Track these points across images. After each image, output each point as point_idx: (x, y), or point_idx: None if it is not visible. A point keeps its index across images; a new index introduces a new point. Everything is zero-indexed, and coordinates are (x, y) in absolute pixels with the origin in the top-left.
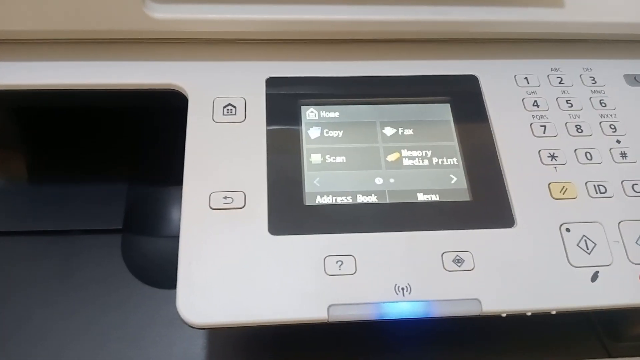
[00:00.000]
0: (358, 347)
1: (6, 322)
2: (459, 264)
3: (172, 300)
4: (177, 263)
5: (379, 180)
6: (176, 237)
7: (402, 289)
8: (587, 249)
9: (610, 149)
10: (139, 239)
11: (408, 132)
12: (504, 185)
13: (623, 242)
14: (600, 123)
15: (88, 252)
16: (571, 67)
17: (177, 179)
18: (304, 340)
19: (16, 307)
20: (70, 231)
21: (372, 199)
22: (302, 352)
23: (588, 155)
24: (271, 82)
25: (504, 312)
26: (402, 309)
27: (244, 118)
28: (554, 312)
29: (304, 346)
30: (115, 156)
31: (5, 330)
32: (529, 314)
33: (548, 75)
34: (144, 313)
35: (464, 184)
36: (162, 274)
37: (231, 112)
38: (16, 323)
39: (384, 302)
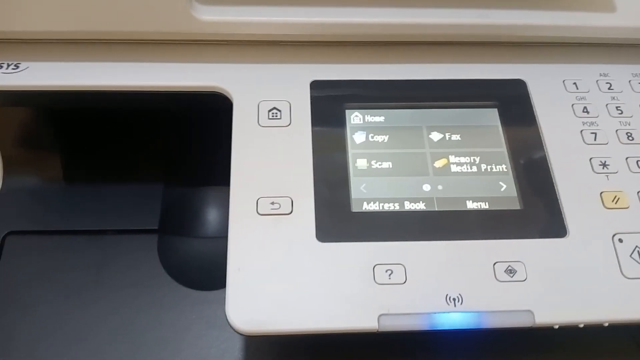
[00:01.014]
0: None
1: (41, 323)
2: (511, 275)
3: (209, 301)
4: (213, 264)
5: (426, 187)
6: (212, 238)
7: (454, 299)
8: None
9: None
10: (175, 239)
11: (455, 137)
12: (555, 194)
13: None
14: None
15: (124, 253)
16: (620, 73)
17: (213, 179)
18: (342, 344)
19: (51, 307)
20: (106, 231)
21: (420, 206)
22: (339, 355)
23: None
24: (316, 85)
25: (556, 324)
26: (453, 319)
27: (289, 122)
28: (606, 324)
29: (341, 350)
30: (151, 156)
31: (39, 332)
32: (582, 325)
33: (597, 81)
34: (180, 314)
35: (513, 192)
36: (199, 275)
37: (276, 116)
38: (51, 324)
39: (435, 313)
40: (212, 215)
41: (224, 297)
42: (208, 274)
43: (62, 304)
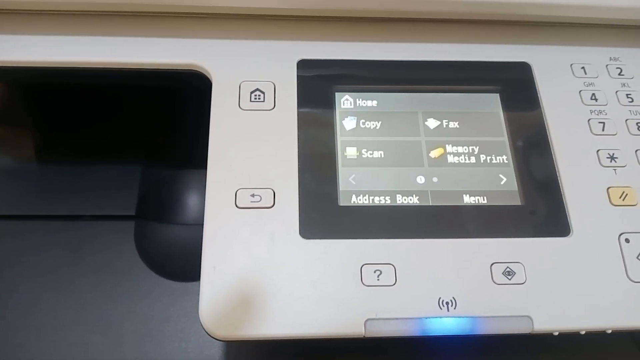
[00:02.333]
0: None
1: (13, 312)
2: (509, 277)
3: (188, 292)
4: (193, 252)
5: (420, 179)
6: (191, 225)
7: (447, 303)
8: None
9: None
10: (152, 226)
11: (453, 124)
12: (559, 189)
13: None
14: None
15: (99, 240)
16: (632, 57)
17: (193, 163)
18: (327, 346)
19: (24, 295)
20: (80, 217)
21: (414, 200)
22: (322, 353)
23: None
24: (303, 65)
25: (556, 331)
26: (446, 325)
27: (273, 105)
28: (609, 332)
29: (326, 351)
30: (129, 138)
31: (12, 321)
32: (583, 332)
33: (607, 66)
34: (157, 305)
35: (514, 186)
36: (178, 264)
37: (259, 98)
38: (24, 312)
39: (426, 318)
40: (192, 201)
41: None
42: (188, 263)
43: (35, 293)
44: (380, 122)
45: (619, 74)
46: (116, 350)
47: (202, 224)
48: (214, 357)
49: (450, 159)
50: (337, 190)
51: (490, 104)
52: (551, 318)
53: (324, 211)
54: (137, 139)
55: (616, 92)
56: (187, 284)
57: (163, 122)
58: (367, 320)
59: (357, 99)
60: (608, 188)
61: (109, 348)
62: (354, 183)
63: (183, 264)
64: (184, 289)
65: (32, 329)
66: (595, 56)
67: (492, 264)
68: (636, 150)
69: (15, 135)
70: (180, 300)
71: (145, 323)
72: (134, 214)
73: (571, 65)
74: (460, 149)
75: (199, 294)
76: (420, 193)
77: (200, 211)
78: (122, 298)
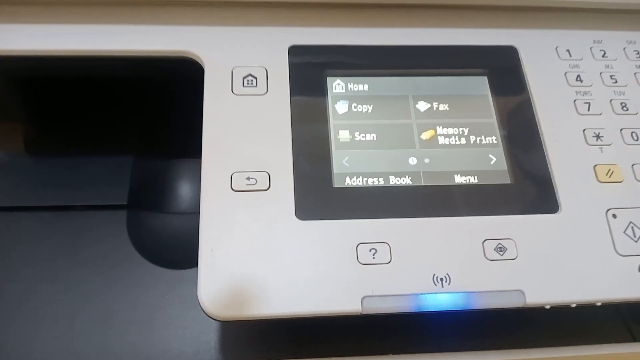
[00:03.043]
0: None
1: (7, 303)
2: (501, 253)
3: (182, 280)
4: (187, 240)
5: (412, 160)
6: (183, 214)
7: (441, 279)
8: (635, 236)
9: None
10: (145, 215)
11: (443, 107)
12: (547, 167)
13: None
14: None
15: (92, 229)
16: (614, 40)
17: (184, 153)
18: (324, 325)
19: (18, 286)
20: (73, 207)
21: (406, 180)
22: (319, 335)
23: (634, 135)
24: (294, 51)
25: (547, 304)
26: (441, 300)
27: (265, 90)
28: (599, 304)
29: (321, 330)
30: (120, 129)
31: (5, 311)
32: (574, 305)
33: (591, 48)
34: (152, 294)
35: (504, 165)
36: (171, 253)
37: (252, 84)
38: (18, 303)
39: (421, 294)
40: (184, 190)
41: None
42: (182, 251)
43: (29, 284)
44: (371, 106)
45: (603, 56)
46: (112, 339)
47: (195, 213)
48: (211, 343)
49: (441, 140)
50: (331, 172)
51: (479, 86)
52: (542, 292)
53: (318, 193)
54: (129, 129)
55: (600, 73)
56: (182, 272)
57: (155, 111)
58: (363, 298)
59: (349, 83)
60: (595, 166)
61: (105, 337)
62: (347, 165)
63: (177, 252)
64: (178, 276)
65: (27, 320)
66: (579, 39)
67: (484, 241)
68: (621, 129)
69: (7, 127)
70: (176, 287)
71: (141, 311)
72: (126, 203)
73: (556, 48)
74: (450, 131)
75: (193, 282)
76: (412, 174)
77: (191, 200)
78: (117, 287)
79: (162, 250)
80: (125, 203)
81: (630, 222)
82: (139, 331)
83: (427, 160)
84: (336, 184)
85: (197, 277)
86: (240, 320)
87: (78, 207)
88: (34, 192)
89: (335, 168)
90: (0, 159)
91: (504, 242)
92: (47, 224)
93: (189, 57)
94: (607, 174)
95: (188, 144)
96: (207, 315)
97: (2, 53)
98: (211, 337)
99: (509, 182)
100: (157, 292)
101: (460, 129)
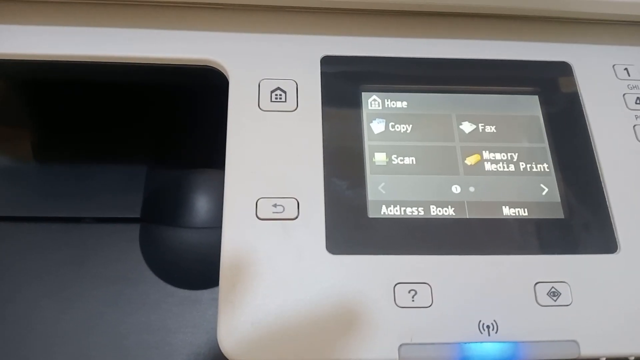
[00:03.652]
0: None
1: (12, 320)
2: (554, 298)
3: (197, 301)
4: (202, 258)
5: (456, 189)
6: (201, 229)
7: (488, 326)
8: None
9: None
10: (159, 229)
11: (490, 129)
12: (605, 201)
13: None
14: None
15: (103, 243)
16: None
17: (202, 163)
18: None
19: (23, 302)
20: (83, 219)
21: (449, 212)
22: None
23: None
24: (327, 62)
25: (604, 356)
26: (487, 351)
27: (295, 106)
28: None
29: None
30: (134, 137)
31: (10, 329)
32: (632, 358)
33: None
34: (165, 315)
35: (557, 197)
36: (187, 271)
37: (280, 98)
38: (23, 320)
39: (465, 343)
40: (199, 204)
41: (214, 297)
42: (198, 270)
43: (34, 299)
44: (411, 126)
45: None
46: None
47: (211, 227)
48: None
49: (488, 166)
50: (365, 200)
51: (529, 106)
52: (599, 342)
53: (352, 223)
54: (143, 138)
55: None
56: (197, 292)
57: (171, 120)
58: (401, 346)
59: (386, 100)
60: None
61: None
62: (383, 192)
63: (192, 271)
64: (193, 297)
65: (31, 339)
66: (639, 57)
67: (536, 284)
68: None
69: (17, 135)
70: (190, 309)
71: (152, 334)
72: (139, 216)
73: (614, 65)
74: (497, 156)
75: (208, 304)
76: (456, 204)
77: (209, 214)
78: (127, 307)
79: (176, 268)
80: (138, 216)
81: None
82: (149, 356)
83: (472, 189)
84: (371, 213)
85: (213, 299)
86: None
87: (87, 219)
88: (40, 202)
89: (370, 195)
90: (9, 166)
91: (557, 286)
92: (53, 236)
93: (212, 67)
94: None
95: (206, 154)
96: (227, 358)
97: (17, 56)
98: None
99: (562, 216)
100: (170, 313)
101: (509, 154)
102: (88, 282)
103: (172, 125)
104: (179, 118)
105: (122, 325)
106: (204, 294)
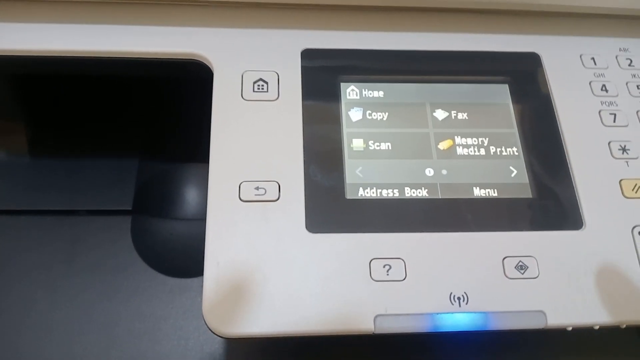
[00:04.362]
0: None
1: (6, 310)
2: (522, 271)
3: (186, 289)
4: (192, 248)
5: (429, 172)
6: (190, 220)
7: (458, 298)
8: None
9: None
10: (150, 221)
11: (462, 116)
12: (571, 181)
13: None
14: None
15: (95, 235)
16: None
17: (191, 156)
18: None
19: (16, 293)
20: (76, 211)
21: (423, 193)
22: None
23: None
24: (307, 55)
25: (570, 326)
26: (458, 321)
27: (277, 96)
28: (624, 326)
29: (331, 346)
30: (125, 131)
31: (4, 319)
32: (597, 327)
33: (616, 56)
34: (155, 302)
35: (525, 178)
36: (176, 260)
37: (262, 89)
38: (17, 311)
39: (437, 314)
40: (191, 196)
41: (203, 285)
42: (187, 259)
43: (28, 291)
44: (387, 114)
45: (629, 65)
46: (113, 350)
47: (201, 219)
48: (214, 355)
49: (460, 150)
50: (344, 183)
51: (500, 94)
52: (565, 313)
53: (330, 204)
54: (134, 131)
55: (627, 83)
56: (186, 281)
57: (160, 113)
58: (376, 317)
59: (363, 90)
60: (620, 180)
61: (106, 347)
62: (361, 176)
63: (182, 260)
64: (182, 285)
65: (26, 328)
66: (604, 47)
67: (504, 258)
68: None
69: (8, 128)
70: (179, 297)
71: (142, 321)
72: (130, 208)
73: (581, 55)
74: (469, 141)
75: (198, 291)
76: (429, 186)
77: (199, 206)
78: (119, 295)
79: (166, 258)
80: (129, 208)
81: None
82: (141, 342)
83: (444, 172)
84: (349, 195)
85: (202, 287)
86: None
87: (80, 211)
88: (33, 194)
89: (348, 178)
90: (0, 160)
91: (525, 260)
92: (47, 228)
93: (197, 60)
94: (633, 189)
95: (196, 147)
96: (211, 331)
97: (8, 52)
98: (215, 349)
99: (530, 196)
100: (160, 301)
101: (480, 139)
102: (81, 273)
103: (162, 118)
104: (169, 112)
105: (112, 313)
106: (193, 281)
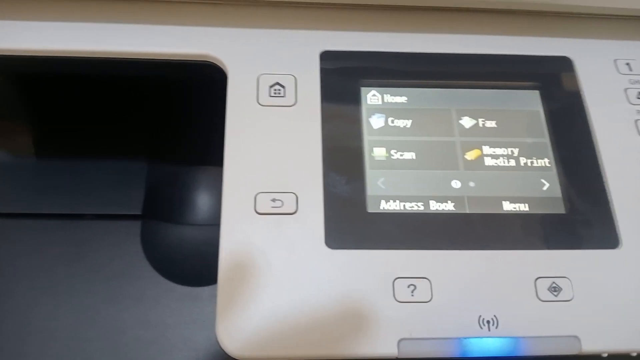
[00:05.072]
0: None
1: (10, 316)
2: (555, 293)
3: (197, 297)
4: (203, 255)
5: (456, 184)
6: (202, 226)
7: (488, 322)
8: None
9: None
10: (160, 226)
11: (490, 124)
12: (606, 196)
13: None
14: None
15: (103, 240)
16: None
17: (203, 159)
18: None
19: (21, 298)
20: (83, 215)
21: (449, 206)
22: None
23: None
24: (327, 57)
25: (605, 352)
26: (487, 346)
27: (294, 101)
28: None
29: None
30: (135, 133)
31: (8, 325)
32: (634, 354)
33: None
34: (164, 311)
35: (557, 192)
36: (187, 267)
37: (279, 93)
38: (21, 317)
39: (465, 338)
40: (202, 200)
41: (214, 294)
42: (198, 266)
43: (33, 296)
44: (410, 121)
45: None
46: (119, 359)
47: (214, 225)
48: None
49: (488, 161)
50: (364, 195)
51: (530, 101)
52: (600, 338)
53: (351, 218)
54: (145, 134)
55: None
56: (197, 289)
57: (171, 115)
58: (400, 340)
59: (385, 95)
60: None
61: (111, 356)
62: (383, 187)
63: (192, 268)
64: (193, 294)
65: (30, 335)
66: None
67: (536, 279)
68: None
69: (16, 130)
70: (189, 306)
71: (151, 330)
72: (140, 213)
73: (615, 60)
74: (498, 151)
75: (208, 300)
76: (456, 199)
77: (211, 210)
78: (127, 303)
79: (176, 265)
80: (139, 212)
81: None
82: (148, 352)
83: (472, 184)
84: (370, 208)
85: (212, 296)
86: None
87: (87, 215)
88: (41, 198)
89: (370, 190)
90: (7, 162)
91: (558, 281)
92: (53, 232)
93: (210, 62)
94: None
95: (208, 150)
96: (225, 352)
97: (15, 52)
98: None
99: (563, 211)
100: (169, 309)
101: (509, 149)
102: (88, 278)
103: (173, 121)
104: (181, 114)
105: (120, 321)
106: (204, 290)
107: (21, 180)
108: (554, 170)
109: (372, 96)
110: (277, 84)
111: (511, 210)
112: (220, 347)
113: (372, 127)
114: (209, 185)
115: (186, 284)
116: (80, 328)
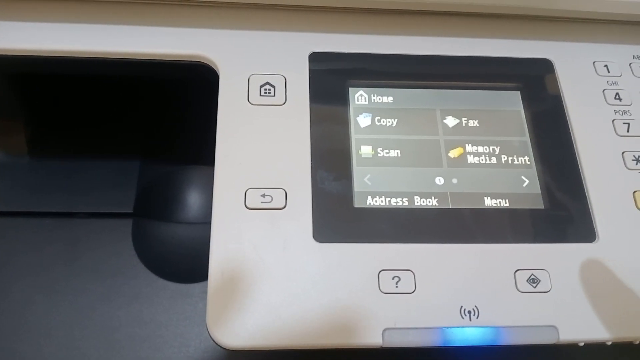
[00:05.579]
0: None
1: (4, 314)
2: (534, 285)
3: (188, 294)
4: (194, 253)
5: (439, 180)
6: (192, 224)
7: (469, 312)
8: None
9: None
10: (151, 224)
11: (473, 123)
12: (584, 192)
13: None
14: None
15: (95, 238)
16: None
17: (194, 159)
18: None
19: (15, 296)
20: (76, 214)
21: (432, 202)
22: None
23: None
24: (315, 58)
25: (582, 342)
26: (468, 335)
27: (284, 100)
28: (637, 342)
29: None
30: (127, 132)
31: (4, 321)
32: (610, 343)
33: (630, 64)
34: (156, 308)
35: (537, 188)
36: (178, 265)
37: (269, 93)
38: (15, 315)
39: (447, 327)
40: (193, 199)
41: (205, 291)
42: (189, 264)
43: (26, 294)
44: (396, 120)
45: None
46: (112, 356)
47: (204, 223)
48: None
49: (470, 159)
50: (352, 191)
51: (511, 101)
52: (577, 328)
53: (338, 213)
54: (136, 134)
55: None
56: (188, 286)
57: (163, 115)
58: (385, 330)
59: (372, 95)
60: (634, 192)
61: (105, 353)
62: (369, 184)
63: (183, 265)
64: (184, 290)
65: (23, 333)
66: (618, 54)
67: (516, 271)
68: None
69: (9, 129)
70: (181, 302)
71: (143, 327)
72: (131, 211)
73: (594, 62)
74: (480, 149)
75: (200, 297)
76: (439, 195)
77: (201, 209)
78: (119, 300)
79: (168, 262)
80: (130, 211)
81: None
82: (141, 348)
83: (455, 181)
84: (357, 203)
85: (204, 293)
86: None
87: (80, 214)
88: (33, 196)
89: (357, 186)
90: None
91: (537, 273)
92: (46, 231)
93: (202, 62)
94: None
95: (199, 149)
96: (215, 343)
97: (9, 52)
98: (217, 356)
99: (542, 207)
100: (161, 306)
101: (491, 148)
102: (80, 276)
103: (165, 121)
104: (172, 114)
105: (112, 318)
106: (195, 287)
107: (15, 179)
108: (534, 168)
109: (359, 96)
110: (268, 83)
111: (492, 206)
112: (212, 341)
113: (359, 125)
114: (199, 185)
115: (178, 281)
116: (73, 325)
